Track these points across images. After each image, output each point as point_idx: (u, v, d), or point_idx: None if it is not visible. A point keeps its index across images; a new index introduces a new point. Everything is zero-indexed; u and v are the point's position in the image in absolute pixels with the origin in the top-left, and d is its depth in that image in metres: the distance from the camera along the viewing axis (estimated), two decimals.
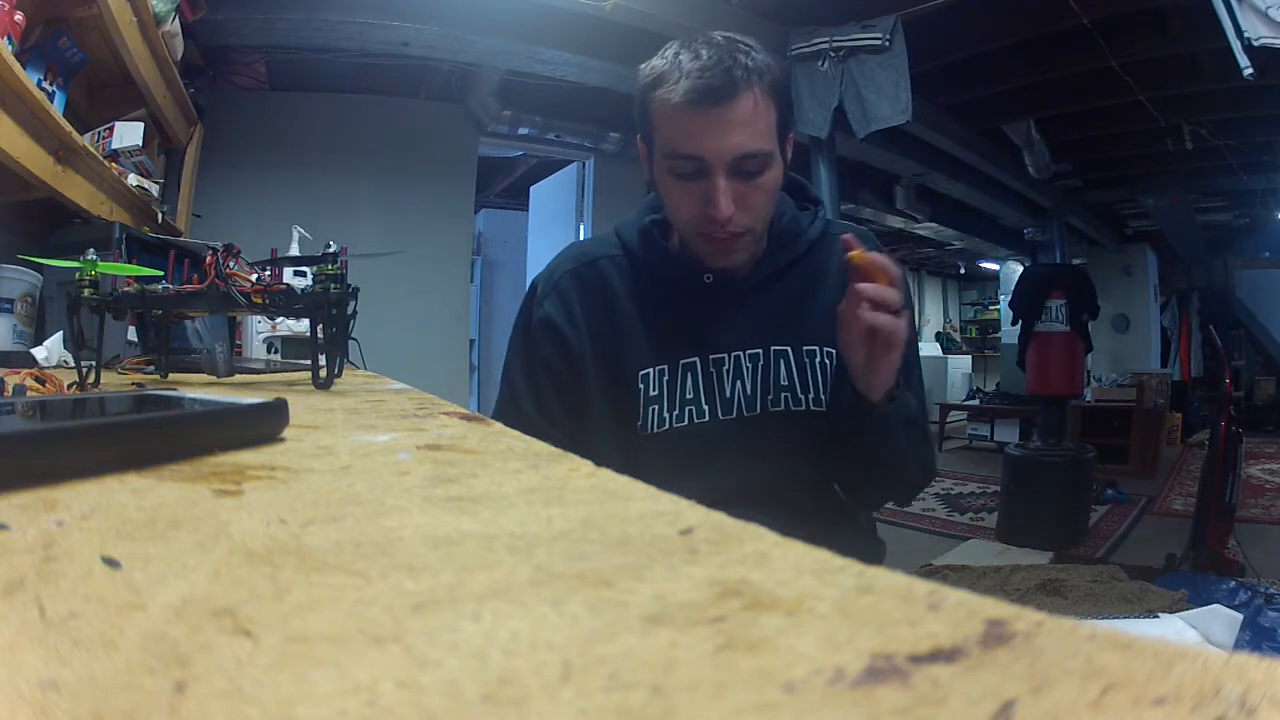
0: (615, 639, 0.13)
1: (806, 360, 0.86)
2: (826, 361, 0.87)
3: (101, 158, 1.63)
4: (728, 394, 0.85)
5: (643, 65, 0.81)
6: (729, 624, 0.14)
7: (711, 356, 0.85)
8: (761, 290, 0.87)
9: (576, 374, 0.87)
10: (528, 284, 0.95)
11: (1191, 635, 0.34)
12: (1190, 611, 0.32)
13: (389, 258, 3.40)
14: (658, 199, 0.89)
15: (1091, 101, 3.92)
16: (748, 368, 0.86)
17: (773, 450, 0.85)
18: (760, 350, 0.86)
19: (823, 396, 0.86)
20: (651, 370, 0.85)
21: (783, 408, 0.85)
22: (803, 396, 0.86)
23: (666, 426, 0.85)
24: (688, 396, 0.85)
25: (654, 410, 0.85)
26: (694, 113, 0.75)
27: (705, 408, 0.85)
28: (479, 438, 0.38)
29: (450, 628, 0.14)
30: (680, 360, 0.86)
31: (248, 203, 3.18)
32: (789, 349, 0.86)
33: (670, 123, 0.77)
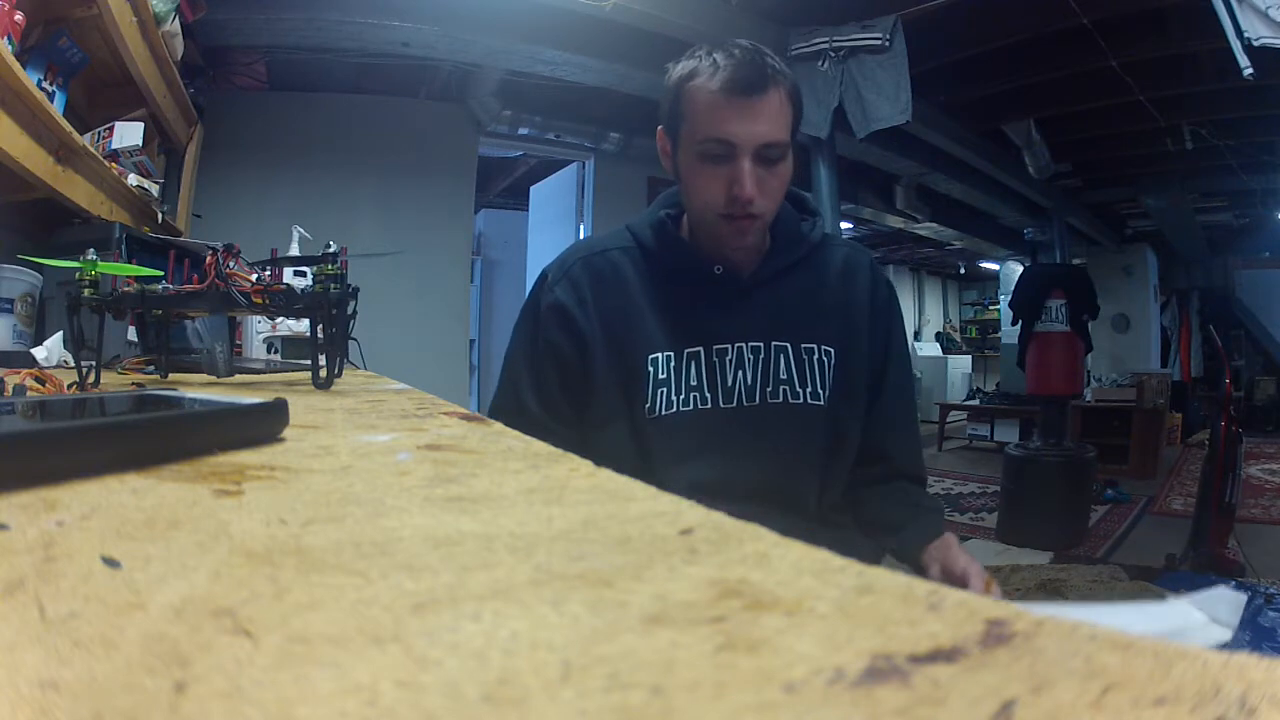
0: (615, 639, 0.13)
1: (805, 356, 0.90)
2: (824, 359, 0.90)
3: (101, 158, 1.62)
4: (729, 383, 0.89)
5: (671, 64, 0.87)
6: (729, 624, 0.14)
7: (715, 346, 0.89)
8: (765, 287, 0.91)
9: (583, 358, 0.90)
10: (528, 284, 0.97)
11: (1198, 617, 0.34)
12: (1196, 594, 0.33)
13: (389, 258, 3.39)
14: (671, 196, 0.94)
15: (1091, 101, 3.91)
16: (749, 359, 0.89)
17: (772, 440, 0.88)
18: (761, 344, 0.89)
19: (820, 391, 0.90)
20: (660, 355, 0.89)
21: (781, 400, 0.89)
22: (801, 390, 0.89)
23: (673, 410, 0.88)
24: (692, 383, 0.89)
25: (661, 394, 0.88)
26: (729, 99, 0.81)
27: (708, 395, 0.88)
28: (479, 438, 0.38)
29: (450, 628, 0.14)
30: (686, 348, 0.89)
31: (248, 203, 3.18)
32: (788, 345, 0.90)
33: (705, 109, 0.82)
